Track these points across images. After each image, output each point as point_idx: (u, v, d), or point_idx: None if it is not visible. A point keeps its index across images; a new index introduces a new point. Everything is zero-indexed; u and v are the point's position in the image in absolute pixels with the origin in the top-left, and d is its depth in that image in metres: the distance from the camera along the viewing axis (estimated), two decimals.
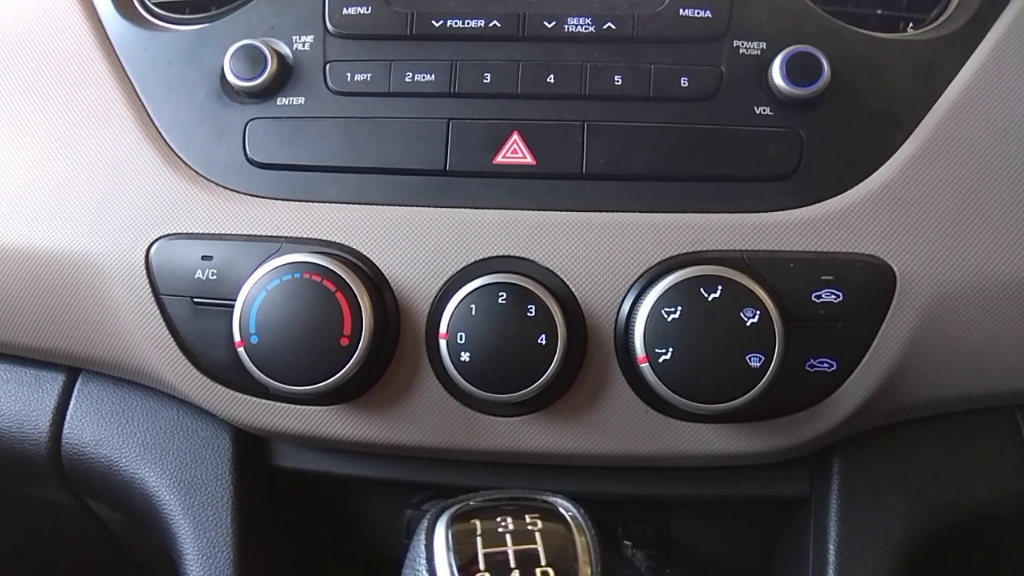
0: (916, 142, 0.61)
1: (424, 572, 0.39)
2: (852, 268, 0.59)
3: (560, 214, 0.61)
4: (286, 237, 0.61)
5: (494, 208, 0.61)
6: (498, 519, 0.41)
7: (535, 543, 0.39)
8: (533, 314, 0.57)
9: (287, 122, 0.64)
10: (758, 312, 0.56)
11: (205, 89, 0.66)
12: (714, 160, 0.61)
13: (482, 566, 0.38)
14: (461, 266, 0.60)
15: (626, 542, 0.74)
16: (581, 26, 0.64)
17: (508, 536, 0.40)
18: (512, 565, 0.38)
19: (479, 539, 0.40)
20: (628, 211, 0.61)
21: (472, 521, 0.42)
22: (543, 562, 0.38)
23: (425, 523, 0.42)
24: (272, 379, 0.58)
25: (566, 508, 0.43)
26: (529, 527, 0.41)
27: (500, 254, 0.60)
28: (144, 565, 0.88)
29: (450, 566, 0.38)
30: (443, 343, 0.58)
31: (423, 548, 0.40)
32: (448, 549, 0.39)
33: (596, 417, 0.61)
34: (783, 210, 0.60)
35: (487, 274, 0.59)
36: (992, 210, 0.61)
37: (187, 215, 0.63)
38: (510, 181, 0.62)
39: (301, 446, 0.69)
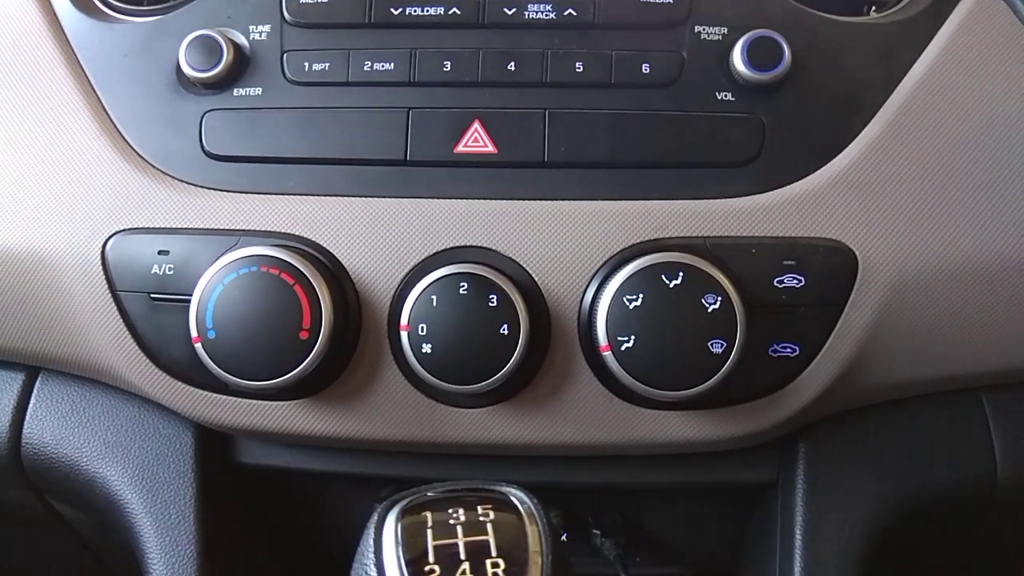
0: (878, 126, 0.61)
1: (372, 567, 0.38)
2: (814, 253, 0.59)
3: (522, 203, 0.60)
4: (244, 230, 0.61)
5: (455, 198, 0.61)
6: (449, 511, 0.41)
7: (486, 534, 0.39)
8: (495, 304, 0.57)
9: (244, 113, 0.63)
10: (719, 298, 0.56)
11: (161, 81, 0.64)
12: (676, 146, 0.61)
13: (432, 559, 0.38)
14: (422, 257, 0.60)
15: (595, 531, 0.74)
16: (542, 12, 0.63)
17: (459, 528, 0.39)
18: (462, 557, 0.38)
19: (429, 531, 0.39)
20: (590, 199, 0.60)
21: (423, 513, 0.41)
22: (494, 553, 0.38)
23: (375, 516, 0.42)
24: (231, 375, 0.57)
25: (519, 499, 0.43)
26: (481, 518, 0.40)
27: (461, 244, 0.60)
28: (112, 566, 0.87)
29: (398, 560, 0.38)
30: (405, 335, 0.58)
31: (371, 542, 0.39)
32: (397, 543, 0.39)
33: (561, 406, 0.61)
34: (745, 196, 0.60)
35: (448, 264, 0.58)
36: (954, 193, 0.61)
37: (144, 209, 0.62)
38: (471, 170, 0.61)
39: (265, 442, 0.69)
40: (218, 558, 0.66)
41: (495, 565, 0.37)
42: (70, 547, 0.83)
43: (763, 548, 0.70)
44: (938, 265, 0.60)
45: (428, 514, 0.41)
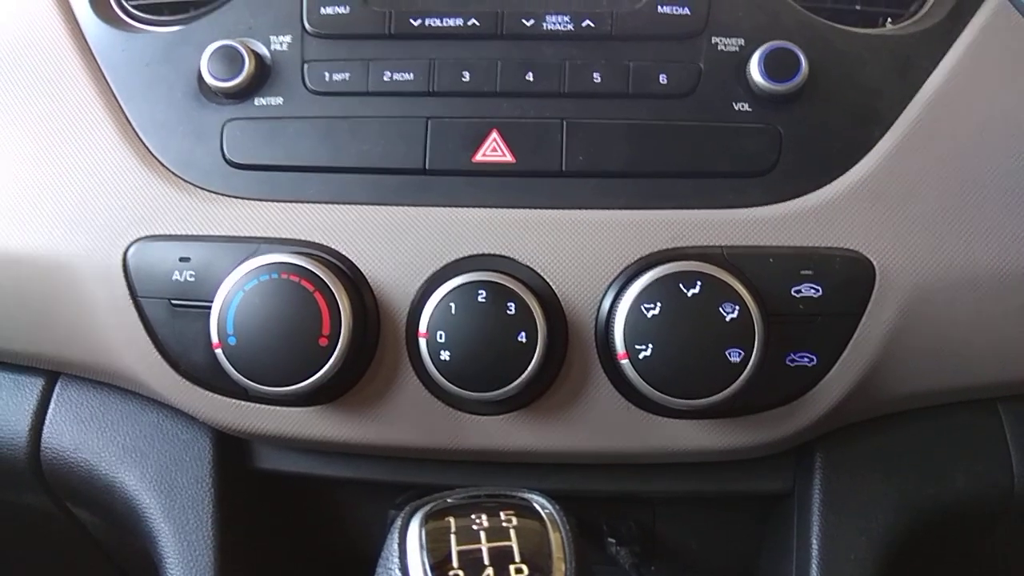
0: (895, 136, 0.62)
1: (397, 571, 0.38)
2: (831, 262, 0.59)
3: (539, 212, 0.61)
4: (264, 238, 0.61)
5: (473, 207, 0.61)
6: (472, 516, 0.41)
7: (510, 540, 0.39)
8: (513, 312, 0.57)
9: (265, 122, 0.63)
10: (737, 307, 0.56)
11: (183, 90, 0.65)
12: (693, 156, 0.61)
13: (456, 564, 0.38)
14: (440, 265, 0.60)
15: (610, 540, 0.74)
16: (560, 24, 0.64)
17: (482, 533, 0.39)
18: (486, 562, 0.38)
19: (453, 537, 0.40)
20: (607, 208, 0.60)
21: (446, 519, 0.41)
22: (517, 559, 0.38)
23: (399, 521, 0.42)
24: (251, 380, 0.58)
25: (542, 505, 0.43)
26: (504, 524, 0.40)
27: (479, 252, 0.60)
28: (129, 570, 0.88)
29: (423, 564, 0.38)
30: (423, 342, 0.58)
31: (396, 547, 0.40)
32: (421, 547, 0.39)
33: (578, 414, 0.61)
34: (762, 205, 0.60)
35: (466, 272, 0.59)
36: (972, 203, 0.61)
37: (165, 217, 0.62)
38: (489, 179, 0.62)
39: (282, 448, 0.69)
40: (235, 563, 0.66)
41: (519, 571, 0.37)
42: (88, 552, 0.83)
43: (779, 558, 0.70)
44: (956, 275, 0.60)
45: (451, 519, 0.41)
